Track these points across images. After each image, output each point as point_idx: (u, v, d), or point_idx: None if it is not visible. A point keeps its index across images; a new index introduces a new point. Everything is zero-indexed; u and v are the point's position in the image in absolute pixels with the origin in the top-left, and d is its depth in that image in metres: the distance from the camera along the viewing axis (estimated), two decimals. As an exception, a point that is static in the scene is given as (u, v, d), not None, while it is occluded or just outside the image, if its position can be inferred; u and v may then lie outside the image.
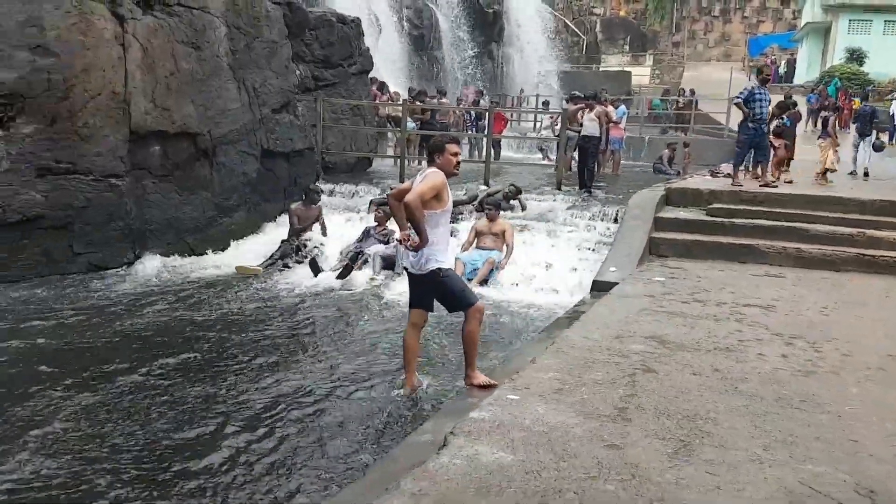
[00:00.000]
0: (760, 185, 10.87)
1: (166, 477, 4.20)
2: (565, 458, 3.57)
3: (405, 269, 5.43)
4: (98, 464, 4.33)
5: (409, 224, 5.22)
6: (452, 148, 5.23)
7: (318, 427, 4.93)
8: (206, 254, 10.57)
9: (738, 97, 11.22)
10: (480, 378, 5.01)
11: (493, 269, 9.20)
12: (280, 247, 10.52)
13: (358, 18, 14.67)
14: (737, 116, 12.56)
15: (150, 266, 9.73)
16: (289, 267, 10.05)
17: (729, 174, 11.97)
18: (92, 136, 8.95)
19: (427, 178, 5.02)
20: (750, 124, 11.03)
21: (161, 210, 10.11)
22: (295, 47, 12.69)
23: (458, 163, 5.30)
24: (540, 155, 19.48)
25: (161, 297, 8.34)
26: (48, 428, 4.78)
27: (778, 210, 9.76)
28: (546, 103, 22.21)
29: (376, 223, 10.50)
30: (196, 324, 7.38)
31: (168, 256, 10.10)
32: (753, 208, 9.87)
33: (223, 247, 10.87)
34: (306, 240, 10.61)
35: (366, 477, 3.90)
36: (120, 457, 4.43)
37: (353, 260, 9.74)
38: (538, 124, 22.25)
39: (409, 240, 5.13)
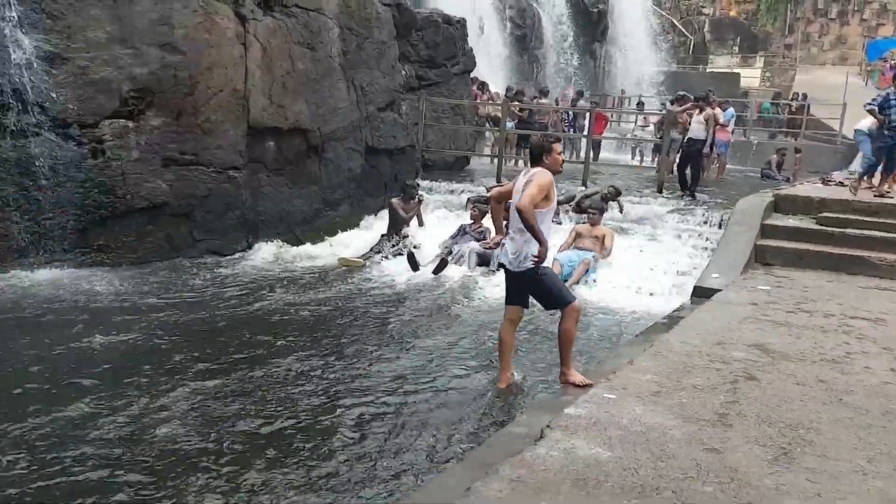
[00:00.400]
0: (875, 196, 10.40)
1: (281, 451, 4.50)
2: (663, 459, 3.63)
3: (502, 265, 5.57)
4: (218, 432, 4.68)
5: (506, 226, 5.39)
6: (558, 147, 5.40)
7: (416, 414, 5.13)
8: (312, 245, 11.00)
9: (871, 103, 10.71)
10: (576, 376, 5.10)
11: (588, 271, 9.22)
12: (380, 240, 10.83)
13: (463, 19, 14.90)
14: (850, 122, 12.04)
15: (262, 254, 10.25)
16: (388, 260, 10.34)
17: (841, 182, 11.50)
18: (213, 131, 9.53)
19: (535, 178, 5.12)
20: (885, 132, 10.54)
21: (273, 202, 10.64)
22: (401, 47, 13.04)
23: (563, 161, 5.47)
24: (630, 156, 19.23)
25: (271, 284, 8.79)
26: (178, 393, 5.19)
27: (892, 221, 9.34)
28: (640, 103, 21.79)
29: (472, 221, 10.69)
30: (302, 311, 7.75)
31: (278, 246, 10.59)
32: (866, 219, 9.48)
33: (327, 239, 11.28)
34: (405, 234, 10.89)
35: (463, 462, 4.08)
36: (234, 429, 4.77)
37: (447, 255, 9.97)
38: (633, 125, 21.91)
39: (501, 246, 5.28)
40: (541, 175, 5.14)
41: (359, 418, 5.02)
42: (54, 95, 8.23)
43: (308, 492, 4.02)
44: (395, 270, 9.85)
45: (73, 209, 8.56)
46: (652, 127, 18.56)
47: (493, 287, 8.76)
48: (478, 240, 10.25)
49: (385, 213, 11.51)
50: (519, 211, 5.03)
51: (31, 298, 7.45)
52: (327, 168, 11.41)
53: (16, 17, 7.96)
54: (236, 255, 10.09)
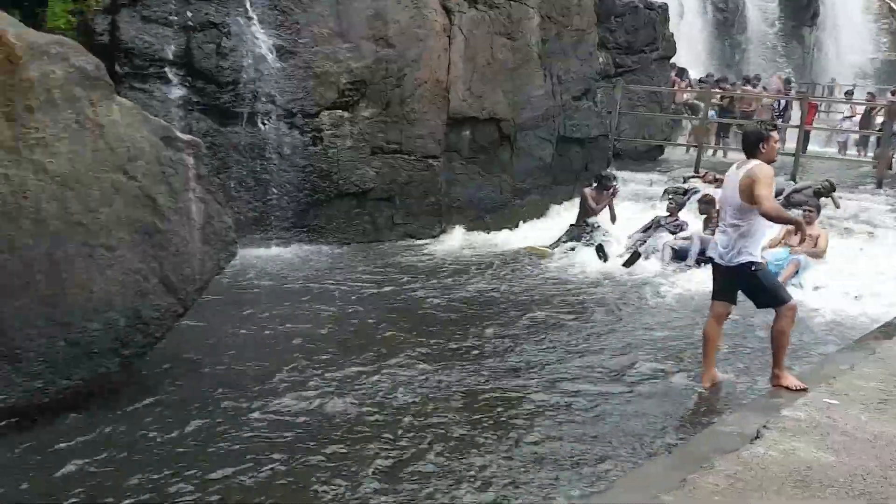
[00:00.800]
0: None
1: (487, 430, 4.70)
2: (893, 468, 3.44)
3: (711, 259, 5.43)
4: (432, 409, 5.00)
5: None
6: (776, 135, 5.18)
7: (615, 406, 5.13)
8: (500, 232, 11.19)
9: None
10: (789, 379, 4.89)
11: (797, 271, 8.69)
12: (568, 230, 10.78)
13: (665, 4, 14.47)
14: None
15: (453, 239, 10.61)
16: (576, 250, 10.28)
17: None
18: (417, 121, 10.04)
19: (759, 176, 4.89)
20: None
21: (465, 189, 11.00)
22: (599, 33, 12.92)
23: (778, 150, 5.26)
24: (836, 149, 17.72)
25: (462, 269, 9.08)
26: (394, 370, 5.59)
27: None
28: (849, 93, 19.94)
29: (668, 213, 10.40)
30: (491, 296, 7.95)
31: (468, 232, 10.91)
32: None
33: (515, 226, 11.43)
34: (595, 225, 10.78)
35: (671, 455, 4.08)
36: (446, 407, 5.04)
37: (639, 248, 9.78)
38: (841, 115, 20.11)
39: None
40: (762, 171, 4.93)
41: (556, 405, 5.11)
42: (283, 87, 9.06)
43: (518, 468, 4.19)
44: (583, 261, 9.79)
45: (294, 192, 9.39)
46: (858, 118, 17.04)
47: (689, 283, 8.52)
48: (673, 233, 9.97)
49: (574, 203, 11.47)
50: (767, 217, 4.92)
51: (255, 273, 8.19)
52: (518, 157, 11.59)
53: (254, 14, 8.85)
54: (430, 240, 10.51)
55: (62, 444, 4.10)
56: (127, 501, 3.68)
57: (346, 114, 9.55)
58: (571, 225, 10.88)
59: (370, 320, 6.85)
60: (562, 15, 11.65)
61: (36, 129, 3.95)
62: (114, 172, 4.27)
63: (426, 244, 10.35)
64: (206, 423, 4.54)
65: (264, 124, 9.03)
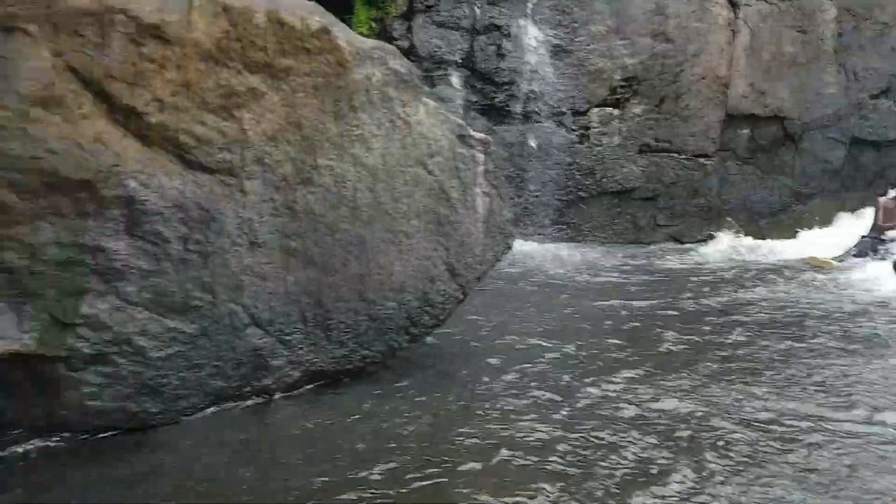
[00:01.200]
0: None
1: (782, 465, 4.44)
2: None
3: None
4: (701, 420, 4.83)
5: None
6: None
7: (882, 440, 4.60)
8: (776, 239, 10.49)
9: None
10: None
11: None
12: (860, 241, 9.80)
13: None
14: None
15: (721, 245, 10.12)
16: (868, 265, 9.30)
17: None
18: (690, 118, 9.72)
19: None
20: None
21: (738, 191, 10.45)
22: (906, 26, 11.53)
23: None
24: None
25: (731, 278, 8.58)
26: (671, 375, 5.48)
27: None
28: None
29: None
30: (765, 311, 7.38)
31: (738, 237, 10.37)
32: None
33: (792, 234, 10.67)
34: (892, 238, 9.67)
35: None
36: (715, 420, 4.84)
37: (948, 267, 8.58)
38: None
39: None
40: None
41: (844, 436, 4.65)
42: (556, 86, 9.26)
43: (810, 497, 3.92)
44: (876, 278, 8.76)
45: (556, 189, 9.59)
46: None
47: None
48: None
49: (869, 212, 10.37)
50: None
51: (510, 268, 8.25)
52: (802, 158, 10.75)
53: (534, 14, 9.14)
54: (695, 244, 10.11)
55: (360, 410, 4.54)
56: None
57: (615, 111, 9.54)
58: (863, 236, 9.87)
59: (628, 329, 6.66)
60: (863, 7, 10.61)
61: (356, 127, 4.44)
62: (416, 167, 4.66)
63: (691, 248, 9.97)
64: (472, 424, 4.46)
65: (535, 122, 9.30)
